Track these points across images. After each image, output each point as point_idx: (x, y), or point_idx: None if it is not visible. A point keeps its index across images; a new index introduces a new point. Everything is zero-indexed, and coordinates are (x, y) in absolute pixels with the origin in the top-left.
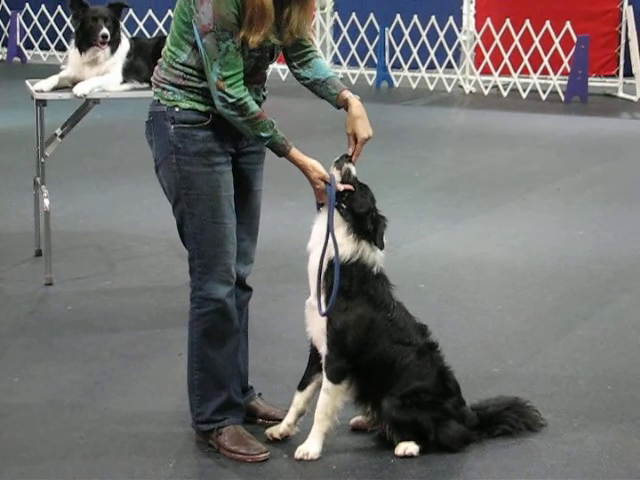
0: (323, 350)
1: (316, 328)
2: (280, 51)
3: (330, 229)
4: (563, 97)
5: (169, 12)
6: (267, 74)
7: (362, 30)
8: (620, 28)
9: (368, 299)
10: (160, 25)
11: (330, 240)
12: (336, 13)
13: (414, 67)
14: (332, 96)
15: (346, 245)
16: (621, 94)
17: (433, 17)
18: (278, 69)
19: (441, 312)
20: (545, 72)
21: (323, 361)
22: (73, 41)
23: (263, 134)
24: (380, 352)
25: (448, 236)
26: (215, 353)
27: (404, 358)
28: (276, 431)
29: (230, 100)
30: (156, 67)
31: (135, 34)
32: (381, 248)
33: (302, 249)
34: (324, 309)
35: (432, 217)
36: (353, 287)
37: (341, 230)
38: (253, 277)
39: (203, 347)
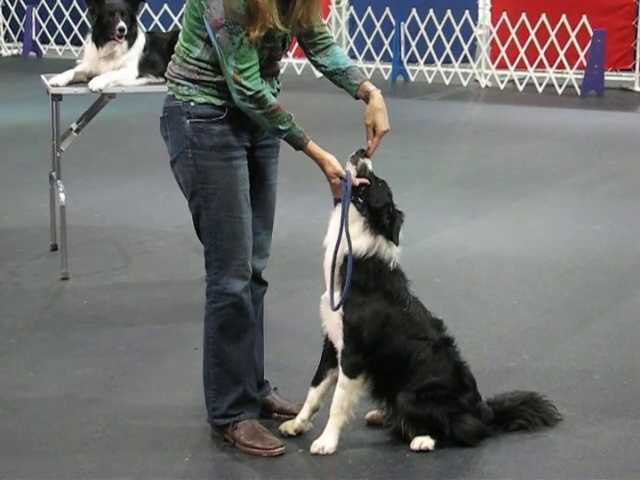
0: (339, 345)
1: (332, 323)
2: (292, 40)
3: (345, 226)
4: (579, 91)
5: (184, 6)
6: (280, 66)
7: (378, 24)
8: (637, 22)
9: (384, 294)
10: (175, 19)
11: (344, 235)
12: (352, 7)
13: (430, 61)
14: (353, 87)
15: (362, 240)
16: (637, 88)
17: (449, 11)
18: (294, 63)
19: (457, 307)
20: (561, 66)
21: (339, 356)
22: (89, 35)
23: (281, 127)
24: (396, 347)
25: (464, 231)
26: (231, 347)
27: (420, 353)
28: (290, 427)
29: (248, 93)
30: (170, 62)
31: (150, 28)
32: (396, 244)
33: (318, 243)
34: (337, 304)
35: (448, 212)
36: (369, 282)
37: (357, 225)
38: (268, 272)
39: (219, 341)
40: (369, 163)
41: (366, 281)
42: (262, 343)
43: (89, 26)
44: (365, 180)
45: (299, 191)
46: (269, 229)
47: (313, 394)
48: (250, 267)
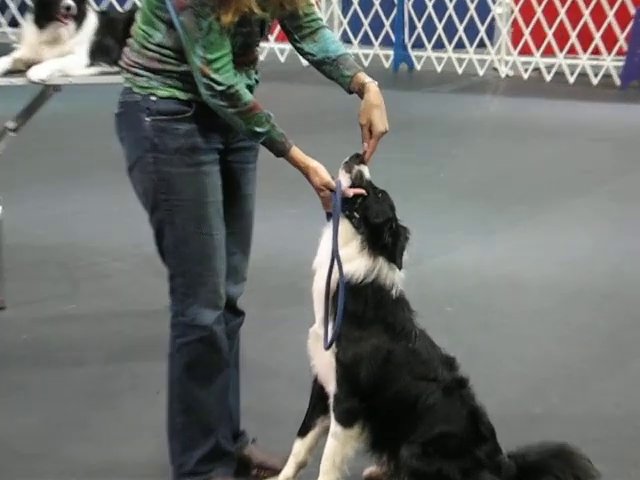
0: (331, 388)
1: (322, 361)
2: (272, 23)
3: (334, 246)
4: (618, 82)
5: None
6: (259, 52)
7: (376, 2)
8: None
9: (385, 327)
10: None
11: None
12: None
13: (439, 46)
14: (345, 78)
15: (359, 262)
16: None
17: None
18: (276, 49)
19: (472, 341)
20: (596, 52)
21: (331, 400)
22: (29, 15)
23: (258, 129)
24: (399, 390)
25: (480, 250)
26: (201, 391)
27: (428, 397)
28: None
29: (218, 88)
30: (126, 48)
31: (103, 7)
32: (399, 268)
33: (306, 265)
34: (329, 339)
35: (461, 227)
36: (367, 313)
37: (353, 244)
38: (246, 299)
39: (186, 384)
40: (366, 170)
41: (363, 312)
42: (238, 385)
43: (29, 4)
44: (361, 191)
45: (283, 202)
46: (246, 248)
47: (300, 446)
48: (223, 294)
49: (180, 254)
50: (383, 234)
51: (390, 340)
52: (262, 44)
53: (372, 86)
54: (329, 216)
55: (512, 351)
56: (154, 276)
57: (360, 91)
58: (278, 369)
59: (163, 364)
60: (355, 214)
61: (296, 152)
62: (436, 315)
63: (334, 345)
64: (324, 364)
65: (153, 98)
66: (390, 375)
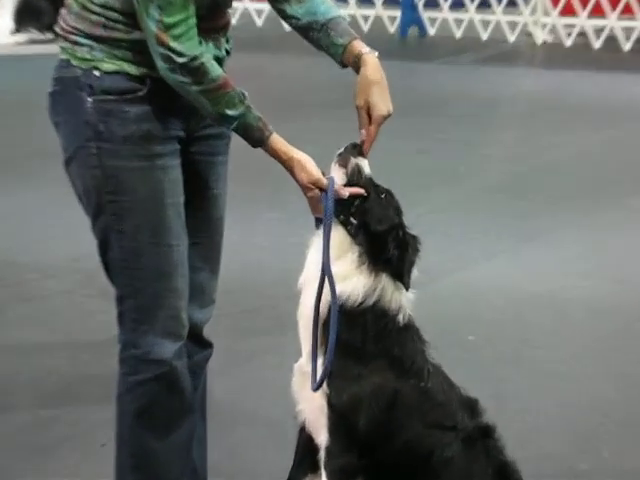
0: (322, 439)
1: (311, 406)
2: None
3: (324, 260)
4: None
5: None
6: (230, 16)
7: None
8: None
9: (390, 362)
10: None
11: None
12: None
13: (458, 6)
14: (336, 48)
15: (357, 280)
16: None
17: None
18: (251, 10)
19: (500, 378)
20: None
21: (322, 455)
22: None
23: (229, 112)
24: (408, 441)
25: (511, 263)
26: (157, 443)
27: (444, 449)
28: None
29: (179, 60)
30: (63, 11)
31: None
32: (407, 288)
33: (289, 284)
34: (319, 378)
35: (487, 233)
36: (367, 344)
37: (349, 257)
38: (214, 327)
39: (139, 434)
40: (365, 164)
41: (362, 343)
42: (204, 435)
43: None
44: (359, 190)
45: (261, 204)
46: (214, 263)
47: None
48: (186, 320)
49: (131, 270)
50: (387, 245)
51: (396, 378)
52: (235, 4)
53: (371, 58)
54: (319, 222)
55: (551, 392)
56: (99, 298)
57: (356, 64)
58: (254, 415)
59: (110, 409)
60: (352, 220)
61: (277, 141)
62: (455, 346)
63: (325, 385)
64: (313, 409)
65: (96, 73)
66: (397, 422)
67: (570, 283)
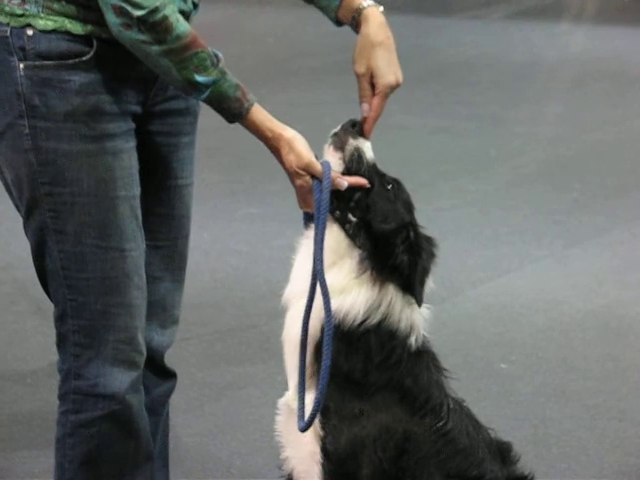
0: None
1: (300, 452)
2: None
3: (316, 265)
4: None
5: None
6: None
7: None
8: None
9: (399, 396)
10: None
11: (319, 283)
12: None
13: None
14: (330, 1)
15: (357, 294)
16: None
17: None
18: None
19: (540, 416)
20: None
21: None
22: None
23: (199, 78)
24: None
25: (554, 271)
26: None
27: None
28: None
29: (136, 13)
30: None
31: None
32: (419, 303)
33: (274, 298)
34: (309, 417)
35: (524, 234)
36: (371, 374)
37: (347, 265)
38: (179, 352)
39: None
40: (368, 147)
41: (365, 372)
42: None
43: None
44: (360, 180)
45: (238, 197)
46: (178, 272)
47: None
48: (143, 345)
49: (73, 281)
50: (394, 249)
51: (407, 417)
52: None
53: (374, 12)
54: (309, 219)
55: (605, 434)
56: (34, 315)
57: (355, 21)
58: (229, 464)
59: (49, 455)
60: (350, 216)
61: (260, 114)
62: (484, 376)
63: (318, 426)
64: (303, 456)
65: (30, 32)
66: (409, 473)
67: (629, 297)
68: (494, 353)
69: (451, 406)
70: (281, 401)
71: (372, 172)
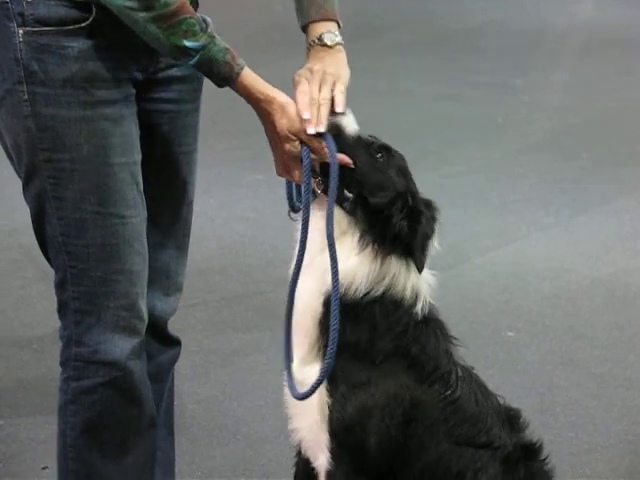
0: (323, 461)
1: (307, 420)
2: None
3: (329, 232)
4: None
5: None
6: None
7: None
8: None
9: (408, 364)
10: None
11: (324, 259)
12: None
13: None
14: (300, 17)
15: (359, 267)
16: None
17: None
18: None
19: (548, 384)
20: None
21: None
22: None
23: (188, 43)
24: (431, 464)
25: (561, 238)
26: (109, 466)
27: (478, 473)
28: None
29: None
30: None
31: None
32: (419, 268)
33: (280, 265)
34: (312, 385)
35: (531, 202)
36: (378, 343)
37: (349, 242)
38: (182, 320)
39: (86, 454)
40: (348, 120)
41: (371, 342)
42: (171, 457)
43: None
44: (345, 159)
45: (243, 162)
46: (181, 239)
47: None
48: (144, 311)
49: (73, 248)
50: (392, 220)
51: (415, 384)
52: None
53: (330, 55)
54: (292, 200)
55: (612, 402)
56: (40, 281)
57: (312, 52)
58: (235, 431)
59: (51, 422)
60: (347, 193)
61: (250, 77)
62: (491, 344)
63: (326, 394)
64: (310, 424)
65: None
66: (416, 440)
67: (636, 264)
68: (501, 321)
69: (460, 374)
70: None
71: (357, 145)
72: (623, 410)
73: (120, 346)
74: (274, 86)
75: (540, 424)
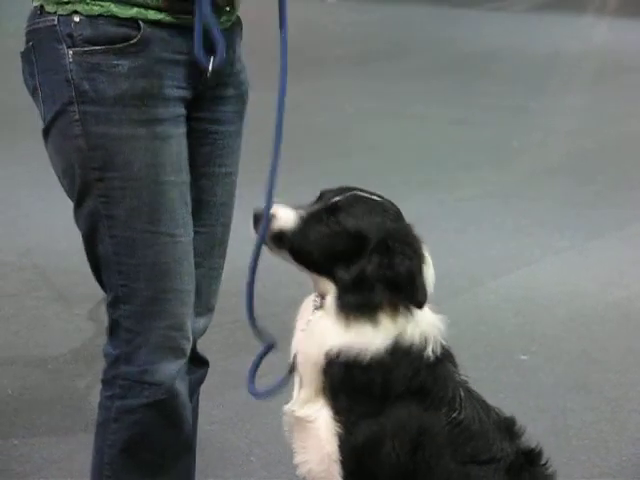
0: None
1: (317, 453)
2: None
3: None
4: None
5: None
6: None
7: None
8: None
9: (420, 398)
10: None
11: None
12: None
13: None
14: None
15: (360, 337)
16: None
17: None
18: None
19: (561, 407)
20: None
21: None
22: None
23: None
24: None
25: (576, 262)
26: None
27: None
28: None
29: None
30: None
31: None
32: (418, 306)
33: (296, 287)
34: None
35: (546, 226)
36: (390, 386)
37: (328, 310)
38: (199, 341)
39: (124, 474)
40: (281, 217)
41: (383, 386)
42: (194, 477)
43: None
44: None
45: (260, 185)
46: (217, 260)
47: None
48: (190, 332)
49: (124, 267)
50: (369, 276)
51: (424, 411)
52: None
53: None
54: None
55: (625, 427)
56: (54, 301)
57: None
58: (249, 453)
59: (66, 442)
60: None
61: None
62: (504, 367)
63: (336, 424)
64: (322, 458)
65: (76, 19)
66: (425, 464)
67: None
68: (515, 344)
69: (462, 395)
70: (286, 408)
71: (298, 231)
72: (636, 434)
73: (167, 367)
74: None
75: (553, 447)
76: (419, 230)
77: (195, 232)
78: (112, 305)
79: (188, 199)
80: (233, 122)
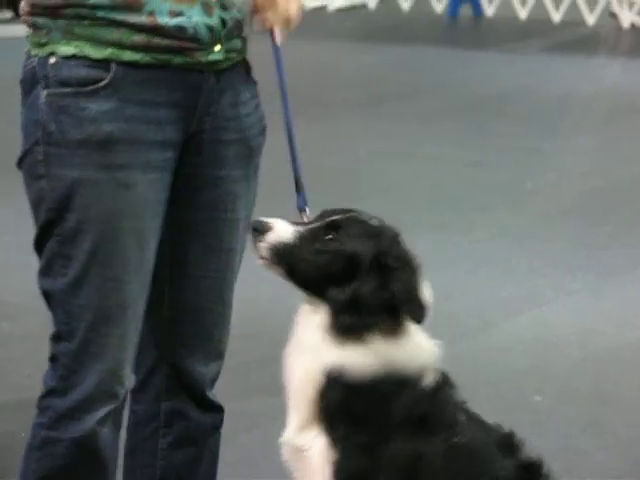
0: None
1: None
2: None
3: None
4: None
5: None
6: None
7: None
8: None
9: (416, 427)
10: None
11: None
12: None
13: None
14: None
15: (348, 357)
16: None
17: None
18: None
19: (574, 448)
20: None
21: None
22: None
23: None
24: None
25: (589, 303)
26: None
27: None
28: None
29: None
30: None
31: None
32: (417, 321)
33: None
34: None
35: (559, 267)
36: (388, 417)
37: (321, 330)
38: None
39: None
40: (278, 231)
41: (380, 415)
42: None
43: None
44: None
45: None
46: (224, 305)
47: None
48: (127, 377)
49: (69, 306)
50: (365, 295)
51: (421, 439)
52: None
53: None
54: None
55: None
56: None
57: None
58: None
59: None
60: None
61: None
62: (517, 408)
63: (331, 450)
64: None
65: (52, 60)
66: None
67: None
68: (528, 385)
69: (461, 419)
70: (284, 437)
71: (295, 249)
72: None
73: (94, 409)
74: None
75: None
76: (432, 271)
77: (206, 277)
78: (54, 339)
79: (150, 244)
80: (237, 167)
